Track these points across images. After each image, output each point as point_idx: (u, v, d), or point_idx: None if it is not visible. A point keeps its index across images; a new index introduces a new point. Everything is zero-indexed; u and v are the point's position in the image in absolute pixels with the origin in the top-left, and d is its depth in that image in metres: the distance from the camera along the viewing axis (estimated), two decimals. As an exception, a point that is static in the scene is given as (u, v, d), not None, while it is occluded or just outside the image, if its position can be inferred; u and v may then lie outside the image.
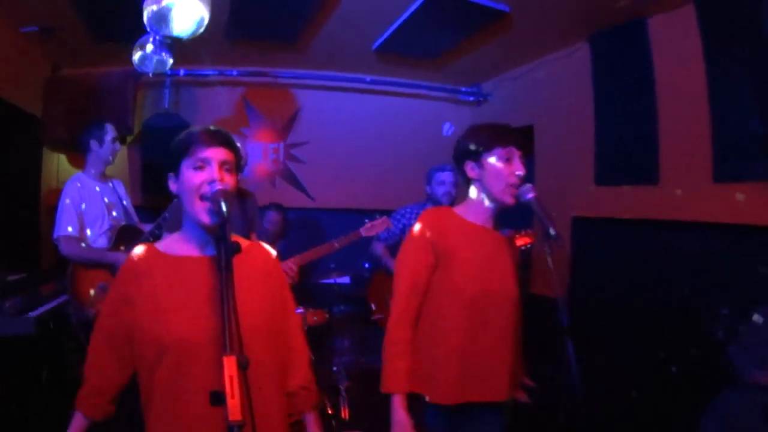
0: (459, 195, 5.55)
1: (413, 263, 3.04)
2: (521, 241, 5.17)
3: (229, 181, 2.23)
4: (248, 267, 2.37)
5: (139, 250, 2.41)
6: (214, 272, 1.93)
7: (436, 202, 5.65)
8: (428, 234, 3.02)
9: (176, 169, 2.29)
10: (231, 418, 1.60)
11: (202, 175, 2.20)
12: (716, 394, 4.13)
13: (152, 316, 2.22)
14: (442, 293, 2.99)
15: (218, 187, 2.14)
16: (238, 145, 2.47)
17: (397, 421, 2.84)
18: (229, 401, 1.61)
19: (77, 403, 2.37)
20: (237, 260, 2.11)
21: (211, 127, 2.32)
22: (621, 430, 4.96)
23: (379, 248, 5.86)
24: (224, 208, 2.02)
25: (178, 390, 2.17)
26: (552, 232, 2.70)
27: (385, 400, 2.93)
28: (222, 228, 1.99)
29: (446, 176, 5.62)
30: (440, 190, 5.63)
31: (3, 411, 4.47)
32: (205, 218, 2.15)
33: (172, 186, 2.33)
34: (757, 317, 4.20)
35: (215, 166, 2.20)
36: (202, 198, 2.17)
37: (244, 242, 2.45)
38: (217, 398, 1.65)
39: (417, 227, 3.08)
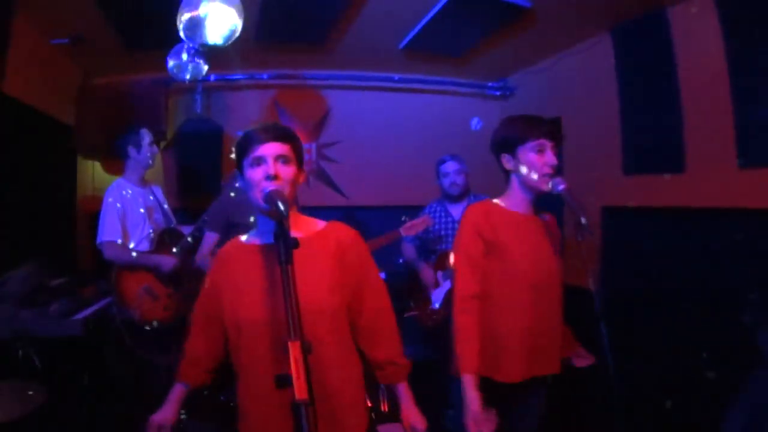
0: (470, 181, 5.70)
1: (467, 250, 3.18)
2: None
3: (285, 173, 2.35)
4: (318, 250, 2.47)
5: (228, 244, 2.70)
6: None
7: (446, 195, 5.71)
8: (475, 226, 3.17)
9: (241, 168, 2.44)
10: (298, 396, 1.68)
11: (260, 172, 2.32)
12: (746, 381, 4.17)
13: (233, 300, 2.44)
14: (501, 280, 3.11)
15: (270, 188, 2.25)
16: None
17: (470, 399, 2.95)
18: (296, 382, 1.69)
19: (177, 374, 2.73)
20: (307, 244, 2.29)
21: (265, 124, 2.43)
22: (653, 416, 5.00)
23: (409, 250, 5.85)
24: (281, 207, 2.09)
25: (252, 368, 2.40)
26: (584, 221, 2.80)
27: (422, 393, 3.02)
28: (281, 225, 2.04)
29: (448, 166, 5.64)
30: (446, 182, 5.66)
31: (47, 412, 4.56)
32: (271, 209, 2.20)
33: (240, 181, 2.49)
34: None
35: (270, 162, 2.32)
36: (262, 198, 2.27)
37: (320, 223, 2.61)
38: (284, 381, 1.73)
39: (464, 223, 3.25)
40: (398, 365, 2.71)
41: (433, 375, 3.44)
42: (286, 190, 2.31)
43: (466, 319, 3.09)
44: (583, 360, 3.31)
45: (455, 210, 5.62)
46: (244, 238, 2.65)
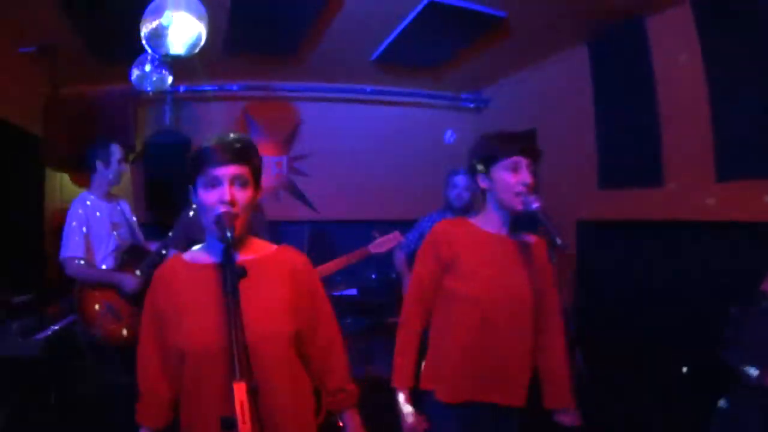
0: (476, 199, 5.61)
1: (419, 271, 3.21)
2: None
3: (241, 198, 2.22)
4: (272, 272, 2.37)
5: (169, 261, 2.53)
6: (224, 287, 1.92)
7: (450, 206, 5.69)
8: (435, 244, 3.14)
9: (194, 184, 2.29)
10: (244, 442, 1.56)
11: (215, 195, 2.19)
12: (723, 396, 4.11)
13: (174, 323, 2.26)
14: (451, 296, 3.08)
15: (221, 210, 2.14)
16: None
17: (404, 414, 3.05)
18: (241, 427, 1.58)
19: (138, 417, 2.44)
20: (260, 265, 2.27)
21: (223, 141, 2.28)
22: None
23: (400, 260, 5.85)
24: (228, 234, 2.01)
25: (195, 404, 2.25)
26: (558, 241, 2.71)
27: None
28: (226, 252, 1.96)
29: (458, 180, 5.62)
30: (452, 194, 5.64)
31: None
32: (219, 234, 2.11)
33: (194, 198, 2.32)
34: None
35: (226, 186, 2.19)
36: (213, 220, 2.16)
37: (271, 247, 2.51)
38: (229, 424, 1.61)
39: (426, 239, 3.23)
40: (347, 391, 2.64)
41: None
42: (242, 216, 2.22)
43: (404, 335, 3.17)
44: (567, 417, 3.17)
45: None
46: (186, 256, 2.49)
